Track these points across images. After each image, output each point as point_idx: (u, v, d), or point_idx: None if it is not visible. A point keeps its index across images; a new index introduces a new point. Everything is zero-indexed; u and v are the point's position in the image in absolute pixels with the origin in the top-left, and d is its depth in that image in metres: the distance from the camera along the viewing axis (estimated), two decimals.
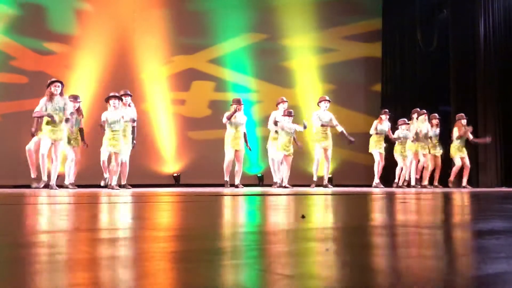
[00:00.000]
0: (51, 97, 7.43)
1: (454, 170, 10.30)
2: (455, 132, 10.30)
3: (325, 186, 9.45)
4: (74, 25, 10.08)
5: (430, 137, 10.29)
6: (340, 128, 9.53)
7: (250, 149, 9.19)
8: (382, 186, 10.08)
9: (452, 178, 10.32)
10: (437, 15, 12.43)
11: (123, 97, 8.14)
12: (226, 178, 8.94)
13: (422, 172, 10.42)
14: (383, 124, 10.11)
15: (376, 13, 12.29)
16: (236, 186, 8.92)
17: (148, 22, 10.51)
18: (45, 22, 9.91)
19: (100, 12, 10.28)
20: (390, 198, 5.23)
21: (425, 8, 12.28)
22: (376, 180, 10.12)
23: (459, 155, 10.24)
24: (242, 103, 9.05)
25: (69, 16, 10.06)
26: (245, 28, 11.23)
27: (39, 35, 9.83)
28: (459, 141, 10.28)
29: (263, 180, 10.75)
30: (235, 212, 3.31)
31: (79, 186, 8.22)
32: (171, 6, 10.79)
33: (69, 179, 8.14)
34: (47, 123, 7.44)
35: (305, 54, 11.61)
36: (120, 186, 8.16)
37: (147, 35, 10.48)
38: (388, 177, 10.59)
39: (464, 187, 10.23)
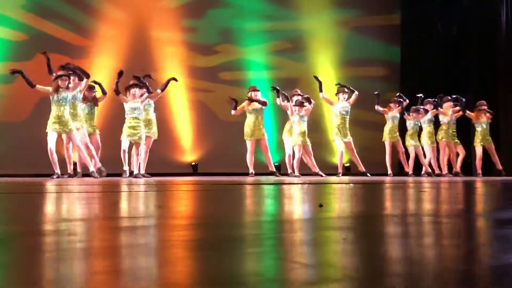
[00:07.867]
0: (57, 89, 7.55)
1: (478, 162, 10.01)
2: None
3: (364, 174, 9.37)
4: (92, 16, 10.12)
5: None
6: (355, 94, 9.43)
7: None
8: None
9: (479, 170, 10.00)
10: (457, 1, 12.21)
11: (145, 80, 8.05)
12: (251, 170, 8.90)
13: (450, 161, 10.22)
14: (393, 112, 9.95)
15: (395, 1, 12.16)
16: (272, 173, 8.98)
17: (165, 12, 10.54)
18: (65, 11, 9.96)
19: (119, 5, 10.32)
20: (408, 188, 5.20)
21: None
22: (389, 171, 9.92)
23: (481, 144, 10.00)
24: (258, 89, 9.08)
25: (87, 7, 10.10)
26: (262, 13, 11.22)
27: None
28: (479, 128, 10.07)
29: (280, 169, 10.72)
30: (253, 201, 3.32)
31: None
32: None
33: (92, 167, 8.00)
34: (52, 117, 7.52)
35: (322, 44, 11.57)
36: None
37: (164, 24, 10.50)
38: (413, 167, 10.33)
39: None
